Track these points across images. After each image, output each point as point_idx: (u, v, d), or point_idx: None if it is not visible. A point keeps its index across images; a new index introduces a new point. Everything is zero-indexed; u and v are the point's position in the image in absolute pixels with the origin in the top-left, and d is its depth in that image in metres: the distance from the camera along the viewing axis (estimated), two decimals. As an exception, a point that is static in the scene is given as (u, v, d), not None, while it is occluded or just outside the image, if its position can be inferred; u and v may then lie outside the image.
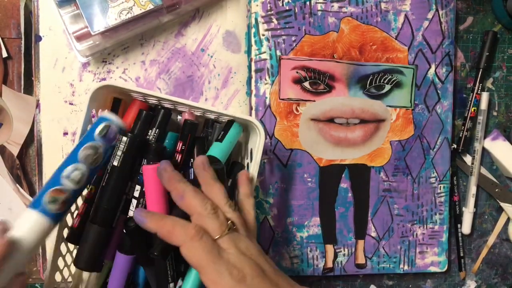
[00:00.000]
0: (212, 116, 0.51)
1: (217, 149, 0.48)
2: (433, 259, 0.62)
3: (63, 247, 0.49)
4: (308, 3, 0.57)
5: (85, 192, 0.51)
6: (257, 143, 0.48)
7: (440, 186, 0.61)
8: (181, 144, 0.48)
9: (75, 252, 0.47)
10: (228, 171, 0.50)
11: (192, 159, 0.49)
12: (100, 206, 0.44)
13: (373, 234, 0.60)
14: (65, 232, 0.48)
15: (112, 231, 0.46)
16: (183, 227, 0.39)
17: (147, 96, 0.48)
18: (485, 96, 0.62)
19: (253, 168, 0.48)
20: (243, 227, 0.41)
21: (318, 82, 0.58)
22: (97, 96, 0.46)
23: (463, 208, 0.63)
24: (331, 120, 0.59)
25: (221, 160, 0.47)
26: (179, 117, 0.55)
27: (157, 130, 0.48)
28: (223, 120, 0.52)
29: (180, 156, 0.48)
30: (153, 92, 0.46)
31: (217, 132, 0.52)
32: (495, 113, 0.63)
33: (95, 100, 0.46)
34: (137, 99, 0.50)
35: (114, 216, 0.45)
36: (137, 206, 0.46)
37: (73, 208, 0.48)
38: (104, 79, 0.55)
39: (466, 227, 0.62)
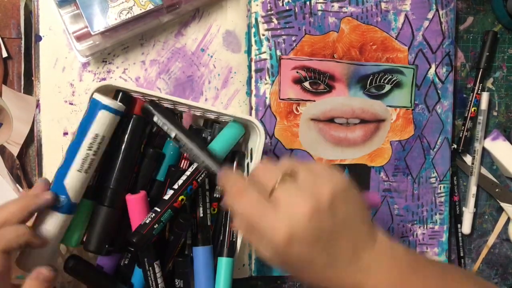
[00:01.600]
0: (212, 116, 0.51)
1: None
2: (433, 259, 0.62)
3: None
4: (308, 3, 0.57)
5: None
6: (257, 143, 0.48)
7: (440, 186, 0.61)
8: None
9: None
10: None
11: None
12: (108, 187, 0.45)
13: (373, 234, 0.60)
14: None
15: (120, 212, 0.46)
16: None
17: (147, 96, 0.48)
18: (485, 96, 0.62)
19: (253, 168, 0.48)
20: None
21: (318, 82, 0.58)
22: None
23: (463, 208, 0.63)
24: (331, 120, 0.59)
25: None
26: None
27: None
28: (223, 120, 0.52)
29: (186, 161, 0.50)
30: (153, 92, 0.46)
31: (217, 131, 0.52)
32: (495, 113, 0.63)
33: (95, 100, 0.46)
34: (137, 99, 0.50)
35: (122, 196, 0.46)
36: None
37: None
38: (104, 79, 0.55)
39: (466, 227, 0.62)
